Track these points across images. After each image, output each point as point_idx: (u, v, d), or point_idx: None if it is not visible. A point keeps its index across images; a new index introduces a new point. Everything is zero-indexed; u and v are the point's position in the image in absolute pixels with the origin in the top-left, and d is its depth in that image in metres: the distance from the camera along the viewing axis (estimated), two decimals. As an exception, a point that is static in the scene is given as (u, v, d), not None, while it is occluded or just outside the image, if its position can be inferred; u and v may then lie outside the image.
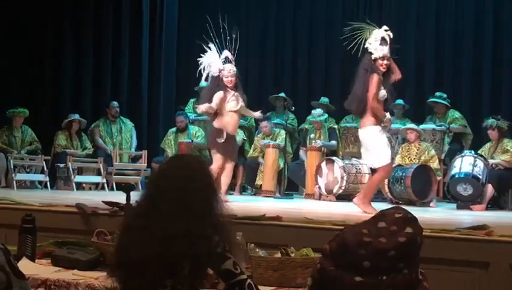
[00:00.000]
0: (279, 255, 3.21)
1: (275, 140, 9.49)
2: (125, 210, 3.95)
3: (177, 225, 2.30)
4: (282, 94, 10.32)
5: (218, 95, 7.14)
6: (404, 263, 1.81)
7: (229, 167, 7.38)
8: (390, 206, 1.99)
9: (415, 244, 1.83)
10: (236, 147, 8.00)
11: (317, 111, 9.49)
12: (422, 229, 1.88)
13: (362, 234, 1.82)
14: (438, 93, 9.39)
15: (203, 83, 10.38)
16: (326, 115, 9.58)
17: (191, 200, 2.36)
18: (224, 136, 7.16)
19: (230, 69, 7.20)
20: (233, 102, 7.21)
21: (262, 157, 9.42)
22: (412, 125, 8.72)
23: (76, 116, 9.62)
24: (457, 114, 9.31)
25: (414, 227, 1.85)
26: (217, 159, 7.19)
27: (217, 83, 7.24)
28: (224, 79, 7.20)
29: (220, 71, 7.22)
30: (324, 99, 10.23)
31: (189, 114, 10.02)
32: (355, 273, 1.79)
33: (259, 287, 2.52)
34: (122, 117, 10.20)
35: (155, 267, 2.29)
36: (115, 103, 10.15)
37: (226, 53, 7.27)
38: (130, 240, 2.36)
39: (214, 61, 7.26)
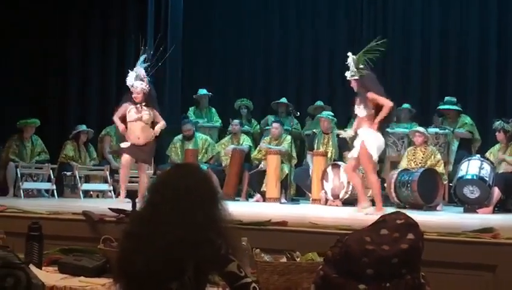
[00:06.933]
0: (284, 260, 3.21)
1: (281, 144, 9.48)
2: (129, 217, 3.96)
3: (179, 232, 2.31)
4: (284, 100, 10.32)
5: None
6: (407, 269, 1.81)
7: (143, 167, 8.06)
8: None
9: (417, 250, 1.83)
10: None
11: (327, 112, 9.50)
12: (423, 233, 1.87)
13: (365, 242, 1.82)
14: (447, 98, 9.30)
15: (202, 91, 10.46)
16: (335, 119, 9.56)
17: (193, 209, 2.37)
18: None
19: (136, 86, 7.93)
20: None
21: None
22: (421, 129, 8.68)
23: (84, 127, 9.58)
24: (468, 120, 9.24)
25: (415, 233, 1.85)
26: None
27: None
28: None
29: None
30: (319, 103, 10.25)
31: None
32: (358, 281, 1.79)
33: (265, 292, 2.52)
34: None
35: (160, 273, 2.30)
36: None
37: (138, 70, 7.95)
38: (133, 247, 2.37)
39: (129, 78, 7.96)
